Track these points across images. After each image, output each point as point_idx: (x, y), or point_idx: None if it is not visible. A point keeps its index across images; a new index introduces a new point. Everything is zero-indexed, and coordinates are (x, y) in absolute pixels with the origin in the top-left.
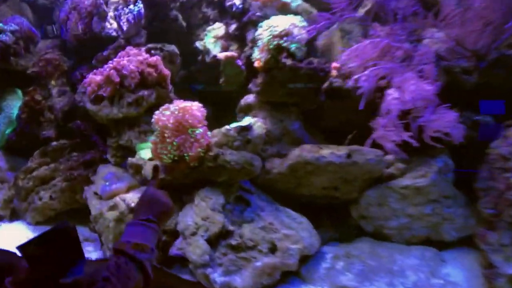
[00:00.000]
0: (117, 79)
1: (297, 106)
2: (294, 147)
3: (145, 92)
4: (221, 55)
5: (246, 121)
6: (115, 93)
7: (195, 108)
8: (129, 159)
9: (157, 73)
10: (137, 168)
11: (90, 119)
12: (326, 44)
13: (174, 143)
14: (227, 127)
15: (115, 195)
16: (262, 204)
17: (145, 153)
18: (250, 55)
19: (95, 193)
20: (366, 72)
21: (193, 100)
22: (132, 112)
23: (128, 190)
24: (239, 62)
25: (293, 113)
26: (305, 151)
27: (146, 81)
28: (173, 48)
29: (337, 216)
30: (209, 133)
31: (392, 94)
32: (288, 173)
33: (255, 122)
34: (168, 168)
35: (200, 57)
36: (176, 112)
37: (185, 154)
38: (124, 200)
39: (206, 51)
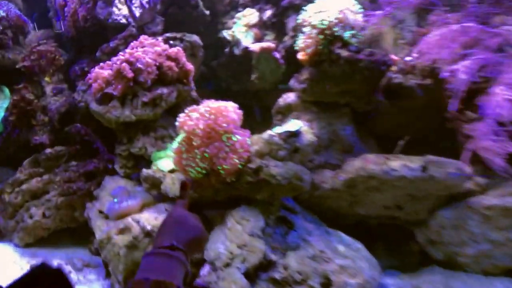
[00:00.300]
0: (130, 74)
1: (349, 107)
2: (346, 156)
3: (164, 90)
4: (255, 47)
5: (293, 125)
6: (127, 91)
7: (231, 109)
8: (144, 170)
9: (179, 68)
10: (154, 182)
11: (92, 122)
12: (374, 34)
13: (206, 154)
14: (270, 132)
15: (126, 215)
16: (309, 226)
17: (164, 163)
18: (291, 45)
19: (100, 212)
20: (465, 63)
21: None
22: (148, 114)
23: (142, 208)
24: (277, 55)
25: (345, 115)
26: (370, 163)
27: (165, 77)
28: (195, 38)
29: (394, 239)
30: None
31: (501, 93)
32: (344, 189)
33: (303, 127)
34: (195, 184)
35: (227, 49)
36: (207, 115)
37: (218, 167)
38: (138, 222)
39: (235, 42)
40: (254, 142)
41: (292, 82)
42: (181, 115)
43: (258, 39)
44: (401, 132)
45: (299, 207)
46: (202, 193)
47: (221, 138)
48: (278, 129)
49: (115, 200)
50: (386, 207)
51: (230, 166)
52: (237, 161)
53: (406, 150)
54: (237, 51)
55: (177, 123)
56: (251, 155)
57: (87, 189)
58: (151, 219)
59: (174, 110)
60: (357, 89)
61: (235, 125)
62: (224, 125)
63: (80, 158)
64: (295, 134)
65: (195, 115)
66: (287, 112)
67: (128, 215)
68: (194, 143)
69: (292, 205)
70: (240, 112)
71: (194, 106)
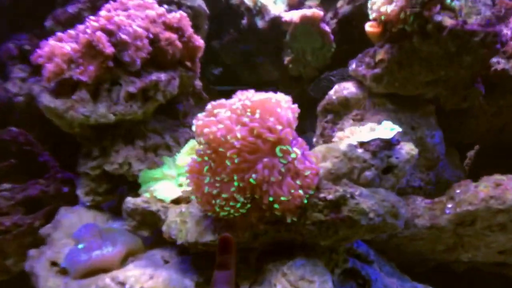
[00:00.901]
0: (109, 49)
1: (433, 103)
2: (430, 174)
3: (161, 76)
4: (293, 16)
5: (384, 129)
6: (103, 75)
7: (284, 104)
8: (129, 200)
9: (183, 43)
10: (147, 218)
11: (37, 124)
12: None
13: (251, 179)
14: (348, 141)
15: (100, 271)
16: (389, 283)
17: (163, 188)
18: (349, 13)
19: (54, 264)
20: None
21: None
22: (135, 112)
23: (125, 259)
24: (326, 27)
25: (430, 116)
26: (500, 191)
27: (162, 56)
28: (199, 3)
29: None
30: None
31: None
32: (451, 226)
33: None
34: (229, 224)
35: (244, 21)
36: (247, 113)
37: (270, 199)
38: (122, 285)
39: (259, 10)
40: (321, 156)
41: (354, 66)
42: (200, 115)
43: (293, 6)
44: (489, 139)
45: (373, 251)
46: (237, 238)
47: (274, 151)
48: (359, 136)
49: (80, 246)
50: (500, 253)
51: (293, 198)
52: (301, 191)
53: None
54: (261, 23)
55: (194, 127)
56: (320, 178)
57: (29, 225)
58: (143, 278)
59: (170, 107)
60: (456, 77)
61: (292, 130)
62: (279, 128)
63: (16, 178)
64: (390, 144)
65: (224, 113)
66: (342, 110)
67: (104, 271)
68: (228, 162)
69: (365, 251)
70: (296, 108)
71: (221, 101)
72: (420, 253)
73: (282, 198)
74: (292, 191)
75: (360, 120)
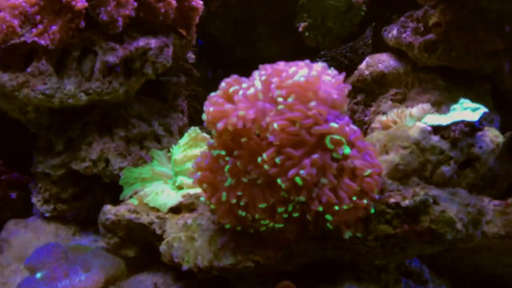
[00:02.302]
0: (81, 3)
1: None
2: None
3: (151, 42)
4: None
5: (463, 109)
6: (71, 39)
7: (327, 78)
8: (108, 209)
9: (178, 2)
10: (132, 232)
11: None
12: None
13: (297, 179)
14: (420, 124)
15: None
16: None
17: (156, 192)
18: None
19: None
20: None
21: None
22: (116, 91)
23: (106, 285)
24: None
25: (487, 96)
26: None
27: (151, 17)
28: None
29: None
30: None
31: None
32: None
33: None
34: (255, 240)
35: None
36: (278, 94)
37: (320, 208)
38: None
39: None
40: (380, 146)
41: (396, 33)
42: (214, 94)
43: None
44: None
45: (427, 269)
46: (257, 256)
47: (322, 143)
48: (431, 118)
49: (39, 275)
50: None
51: (354, 208)
52: (366, 200)
53: None
54: None
55: (205, 115)
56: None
57: None
58: None
59: (157, 85)
60: None
61: (341, 114)
62: (329, 117)
63: None
64: (473, 128)
65: (246, 91)
66: (377, 88)
67: None
68: (262, 159)
69: (418, 267)
70: (344, 87)
71: (237, 77)
72: (478, 267)
73: (345, 207)
74: (354, 198)
75: (401, 100)
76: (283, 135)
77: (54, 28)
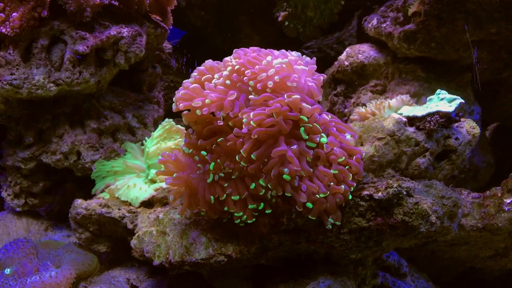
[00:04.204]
0: None
1: (470, 72)
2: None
3: (124, 31)
4: None
5: (438, 100)
6: (35, 28)
7: (300, 67)
8: (78, 204)
9: None
10: (103, 226)
11: None
12: None
13: (285, 176)
14: (396, 116)
15: None
16: None
17: (128, 186)
18: None
19: None
20: None
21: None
22: (87, 82)
23: (77, 283)
24: None
25: (467, 88)
26: None
27: (125, 5)
28: None
29: None
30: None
31: None
32: (509, 227)
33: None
34: (228, 234)
35: None
36: (250, 82)
37: (301, 200)
38: None
39: None
40: (358, 136)
41: (375, 23)
42: (190, 80)
43: None
44: None
45: (405, 262)
46: (230, 250)
47: (297, 132)
48: (407, 110)
49: (8, 271)
50: None
51: (332, 194)
52: (343, 185)
53: None
54: None
55: (175, 104)
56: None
57: None
58: None
59: (131, 75)
60: (509, 37)
61: (316, 103)
62: (304, 105)
63: None
64: (450, 120)
65: (218, 78)
66: (357, 79)
67: None
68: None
69: (396, 261)
70: (320, 77)
71: (210, 63)
72: (457, 260)
73: (321, 195)
74: (331, 183)
75: (381, 92)
76: (260, 129)
77: (15, 15)
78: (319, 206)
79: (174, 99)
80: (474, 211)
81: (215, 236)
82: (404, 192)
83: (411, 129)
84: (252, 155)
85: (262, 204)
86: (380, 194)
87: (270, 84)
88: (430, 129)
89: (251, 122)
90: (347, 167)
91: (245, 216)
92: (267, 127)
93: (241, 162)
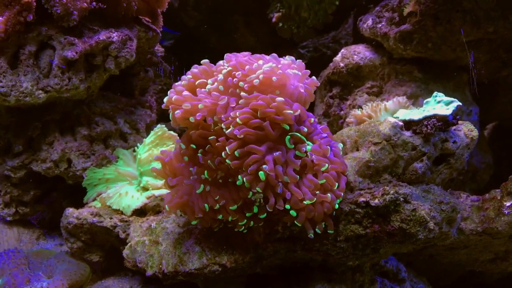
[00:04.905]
0: None
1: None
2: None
3: (113, 35)
4: None
5: (435, 103)
6: (21, 33)
7: (292, 72)
8: (70, 213)
9: None
10: (95, 236)
11: None
12: None
13: (261, 173)
14: (392, 119)
15: None
16: None
17: (120, 194)
18: None
19: None
20: None
21: None
22: (76, 88)
23: None
24: None
25: (465, 88)
26: None
27: (113, 6)
28: None
29: None
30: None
31: None
32: (510, 231)
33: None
34: (221, 243)
35: None
36: (242, 86)
37: (287, 206)
38: None
39: None
40: (351, 143)
41: (371, 23)
42: (179, 83)
43: None
44: None
45: (404, 267)
46: (224, 260)
47: (284, 140)
48: (404, 112)
49: None
50: None
51: (319, 202)
52: (330, 194)
53: None
54: None
55: (166, 102)
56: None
57: None
58: None
59: (123, 80)
60: (507, 35)
61: (303, 108)
62: (286, 108)
63: None
64: (447, 123)
65: (212, 84)
66: (352, 81)
67: None
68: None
69: (394, 266)
70: (311, 79)
71: (203, 67)
72: (456, 264)
73: (308, 202)
74: (317, 192)
75: (377, 93)
76: (248, 130)
77: (0, 19)
78: (307, 213)
79: (165, 100)
80: (474, 215)
81: (209, 245)
82: (401, 199)
83: (407, 133)
84: (235, 152)
85: (255, 208)
86: (376, 201)
87: (256, 82)
88: (427, 133)
89: (237, 119)
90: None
91: (245, 220)
92: (253, 127)
93: (227, 160)
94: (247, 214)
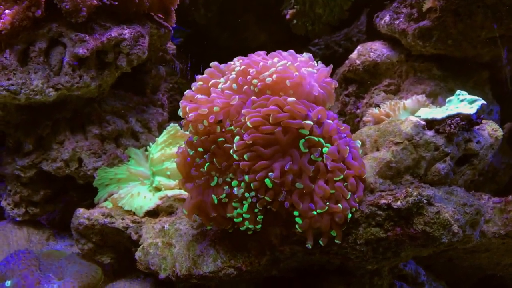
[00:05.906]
0: None
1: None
2: None
3: (125, 32)
4: None
5: (458, 102)
6: (29, 29)
7: (306, 71)
8: (80, 213)
9: None
10: (107, 237)
11: None
12: None
13: (267, 180)
14: (414, 119)
15: None
16: None
17: (132, 194)
18: None
19: None
20: None
21: None
22: (88, 86)
23: None
24: None
25: (486, 86)
26: None
27: (125, 5)
28: None
29: None
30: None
31: None
32: None
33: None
34: (236, 246)
35: None
36: (253, 88)
37: (295, 212)
38: None
39: None
40: (371, 142)
41: (388, 19)
42: (196, 84)
43: None
44: None
45: (423, 271)
46: (239, 262)
47: (298, 144)
48: (425, 112)
49: (9, 283)
50: None
51: (329, 213)
52: (346, 204)
53: None
54: None
55: (181, 109)
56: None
57: None
58: None
59: (134, 78)
60: None
61: (322, 109)
62: (300, 109)
63: None
64: (470, 122)
65: (225, 83)
66: (369, 78)
67: None
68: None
69: (413, 270)
70: (329, 78)
71: (215, 69)
72: (477, 268)
73: (319, 211)
74: (327, 203)
75: (395, 91)
76: (258, 134)
77: (8, 12)
78: (313, 223)
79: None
80: (496, 217)
81: (223, 247)
82: (425, 201)
83: (430, 133)
84: (245, 156)
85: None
86: (399, 203)
87: (268, 80)
88: (451, 132)
89: (248, 123)
90: (345, 184)
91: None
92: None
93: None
94: (255, 210)
